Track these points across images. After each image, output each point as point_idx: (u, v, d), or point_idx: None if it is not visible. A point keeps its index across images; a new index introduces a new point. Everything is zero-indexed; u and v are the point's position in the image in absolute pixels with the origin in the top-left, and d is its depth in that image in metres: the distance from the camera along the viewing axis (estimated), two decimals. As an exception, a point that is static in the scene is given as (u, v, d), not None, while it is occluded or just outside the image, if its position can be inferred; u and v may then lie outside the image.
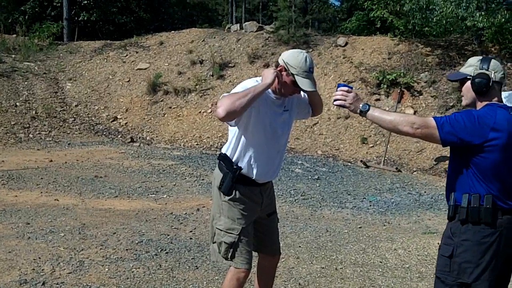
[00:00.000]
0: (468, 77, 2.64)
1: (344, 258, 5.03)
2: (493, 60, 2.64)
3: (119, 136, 13.43)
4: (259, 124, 2.97)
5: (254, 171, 3.03)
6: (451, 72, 12.32)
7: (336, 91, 2.76)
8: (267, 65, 15.16)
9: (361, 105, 2.69)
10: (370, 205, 7.54)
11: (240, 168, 3.00)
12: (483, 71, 2.59)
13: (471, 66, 2.65)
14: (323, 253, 5.17)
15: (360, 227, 6.26)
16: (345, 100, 2.72)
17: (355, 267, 4.81)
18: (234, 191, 3.02)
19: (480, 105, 2.63)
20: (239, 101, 2.78)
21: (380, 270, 4.76)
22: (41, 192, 7.31)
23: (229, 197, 3.02)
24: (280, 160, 3.21)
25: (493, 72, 2.59)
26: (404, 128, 2.57)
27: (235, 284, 3.02)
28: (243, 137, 2.99)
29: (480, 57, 2.69)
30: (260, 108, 2.95)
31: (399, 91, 12.56)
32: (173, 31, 18.04)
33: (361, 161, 11.34)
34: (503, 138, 2.49)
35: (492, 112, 2.53)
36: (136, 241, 5.22)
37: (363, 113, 2.68)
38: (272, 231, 3.29)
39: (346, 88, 2.74)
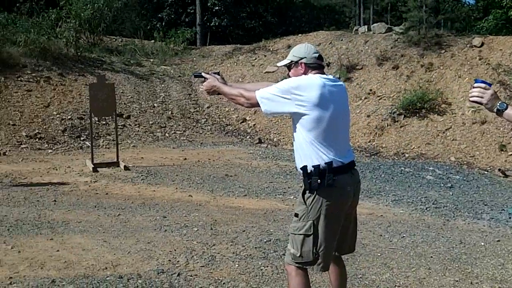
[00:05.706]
0: None
1: (480, 272, 4.72)
2: None
3: (247, 137, 13.83)
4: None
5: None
6: None
7: (473, 87, 2.58)
8: (396, 67, 14.72)
9: (498, 104, 2.50)
10: (510, 218, 7.00)
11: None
12: None
13: None
14: (456, 265, 4.89)
15: (498, 241, 5.83)
16: (482, 97, 2.54)
17: (493, 283, 4.49)
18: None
19: None
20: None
21: (523, 288, 4.40)
22: (176, 188, 7.74)
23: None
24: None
25: None
26: None
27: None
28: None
29: None
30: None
31: (544, 95, 11.55)
32: (300, 34, 18.22)
33: (499, 169, 10.58)
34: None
35: None
36: (265, 240, 5.32)
37: (500, 112, 2.50)
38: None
39: (483, 85, 2.55)
